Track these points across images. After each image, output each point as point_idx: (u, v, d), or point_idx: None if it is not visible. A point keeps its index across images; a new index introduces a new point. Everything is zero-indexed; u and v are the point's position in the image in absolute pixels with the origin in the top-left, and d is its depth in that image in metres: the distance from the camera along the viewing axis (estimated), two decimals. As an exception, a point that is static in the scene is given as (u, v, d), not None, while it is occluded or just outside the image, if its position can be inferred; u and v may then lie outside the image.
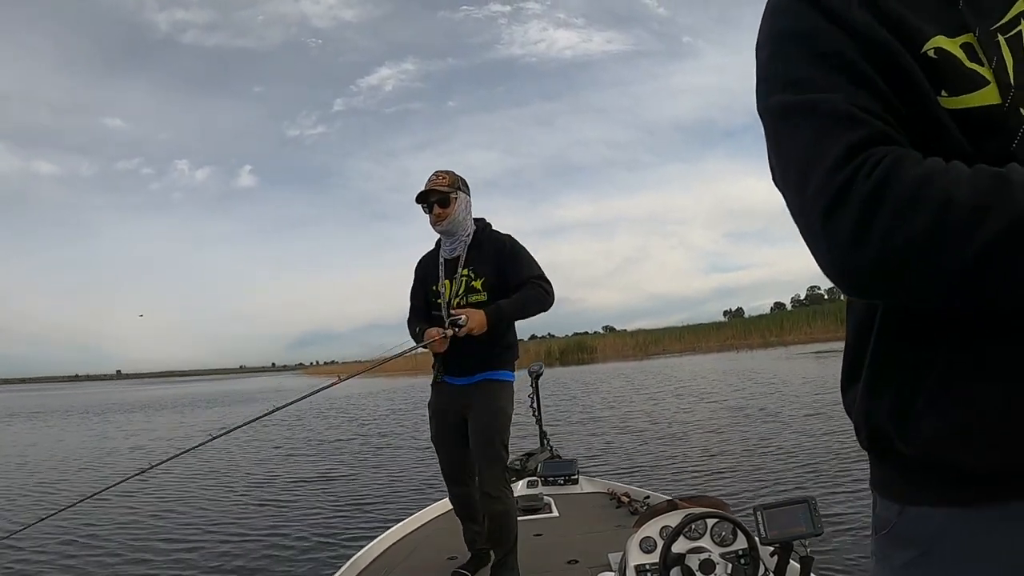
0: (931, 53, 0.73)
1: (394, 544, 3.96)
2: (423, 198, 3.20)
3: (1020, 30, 0.74)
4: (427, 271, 3.38)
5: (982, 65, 0.72)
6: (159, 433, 17.14)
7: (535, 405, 5.83)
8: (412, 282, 3.45)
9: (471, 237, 3.25)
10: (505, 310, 3.07)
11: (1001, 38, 0.73)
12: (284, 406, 3.19)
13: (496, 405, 3.11)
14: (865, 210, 0.65)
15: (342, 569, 3.45)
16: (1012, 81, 0.71)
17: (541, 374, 5.87)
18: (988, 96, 0.71)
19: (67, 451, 14.20)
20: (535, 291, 3.11)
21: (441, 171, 3.27)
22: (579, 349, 57.97)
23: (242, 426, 3.28)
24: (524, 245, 3.25)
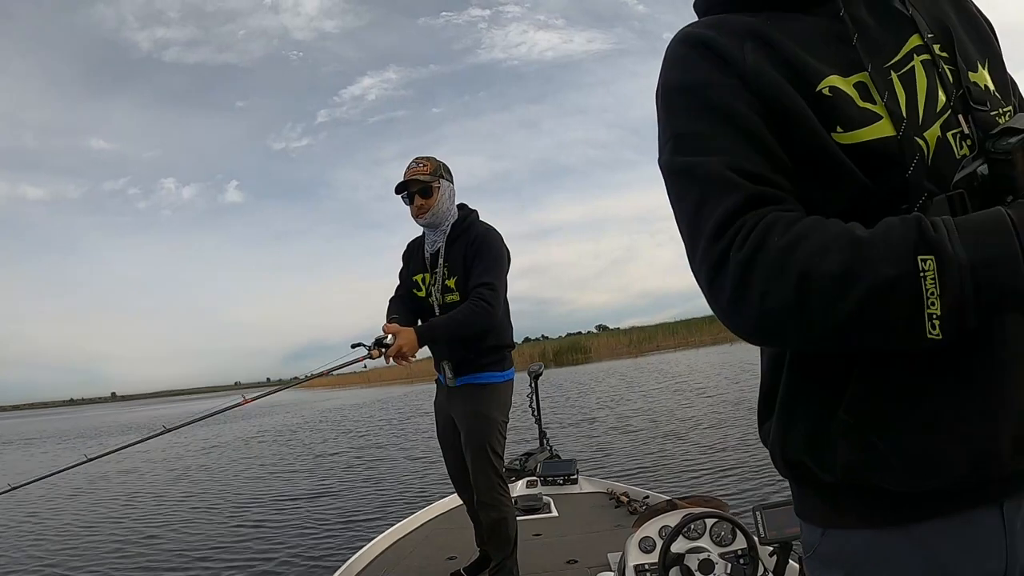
0: (826, 91, 0.76)
1: (394, 544, 3.97)
2: (403, 188, 2.97)
3: (912, 66, 0.79)
4: (411, 258, 3.20)
5: (874, 103, 0.76)
6: (151, 455, 17.00)
7: (534, 405, 5.82)
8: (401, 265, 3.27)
9: (450, 229, 3.02)
10: (438, 330, 2.87)
11: (895, 75, 0.78)
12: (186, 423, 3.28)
13: (479, 411, 2.96)
14: (738, 281, 0.71)
15: (341, 569, 3.46)
16: (904, 113, 0.76)
17: (540, 374, 5.88)
18: (882, 129, 0.75)
19: (58, 477, 13.99)
20: (475, 306, 2.84)
21: (421, 157, 3.01)
22: (573, 349, 57.95)
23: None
24: (496, 242, 3.00)
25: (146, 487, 11.18)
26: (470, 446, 2.96)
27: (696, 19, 0.91)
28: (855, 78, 0.77)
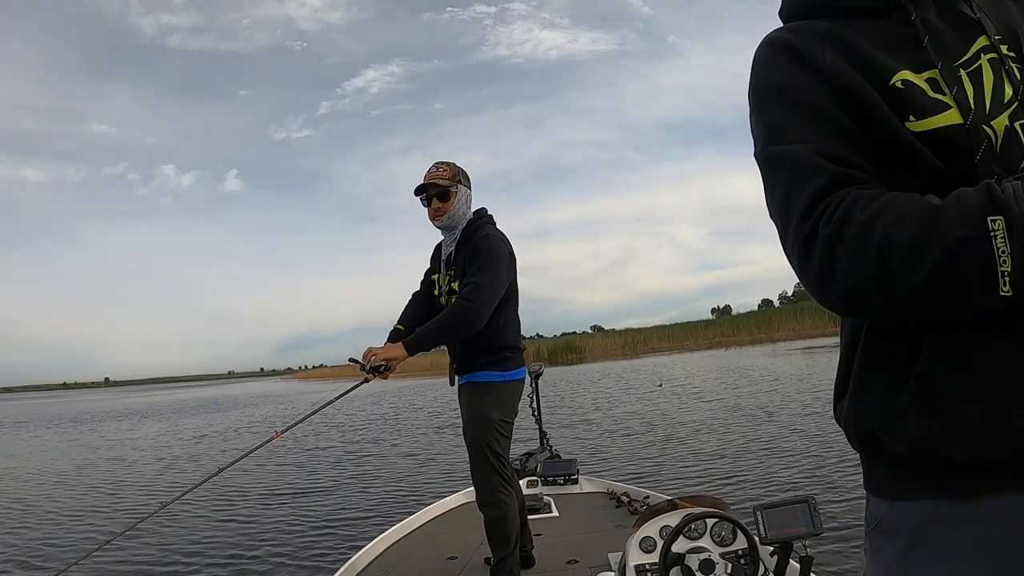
0: (899, 84, 0.84)
1: (394, 544, 3.98)
2: (421, 191, 3.11)
3: (980, 64, 0.85)
4: (434, 257, 3.36)
5: (944, 95, 0.83)
6: (141, 443, 16.88)
7: (535, 405, 5.80)
8: None
9: (460, 235, 3.15)
10: (424, 338, 2.99)
11: (963, 72, 0.85)
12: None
13: (476, 410, 3.06)
14: (826, 255, 0.78)
15: (341, 569, 3.46)
16: (972, 105, 0.82)
17: (541, 374, 5.83)
18: (951, 117, 0.82)
19: (49, 463, 13.94)
20: (456, 307, 2.99)
21: (442, 162, 3.16)
22: (568, 349, 57.74)
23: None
24: (492, 244, 3.09)
25: (133, 476, 10.99)
26: (469, 444, 3.05)
27: (780, 25, 0.99)
28: (926, 75, 0.84)
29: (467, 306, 2.95)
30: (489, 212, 3.25)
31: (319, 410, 3.38)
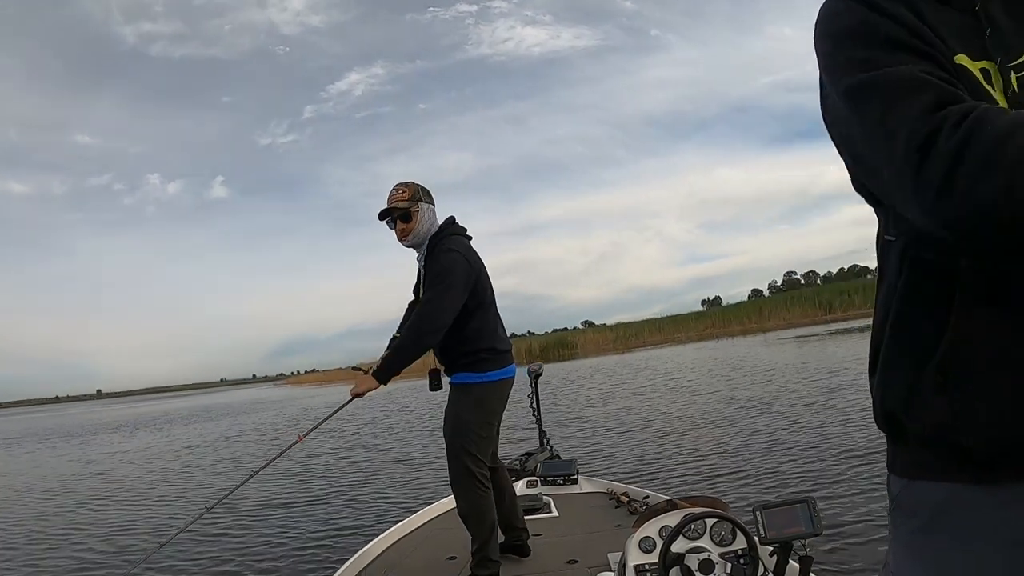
0: (955, 66, 0.80)
1: (394, 544, 4.01)
2: (385, 215, 3.25)
3: None
4: (418, 272, 3.49)
5: (994, 90, 0.81)
6: (130, 455, 16.76)
7: (534, 405, 5.81)
8: None
9: (427, 249, 3.29)
10: (391, 365, 3.15)
11: (1014, 75, 0.82)
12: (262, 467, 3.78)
13: (452, 409, 3.28)
14: (949, 165, 0.68)
15: (342, 568, 3.50)
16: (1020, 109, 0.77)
17: (540, 374, 5.87)
18: None
19: (43, 479, 13.77)
20: (409, 329, 3.20)
21: (401, 184, 3.28)
22: (560, 345, 57.92)
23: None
24: (445, 259, 3.19)
25: (122, 492, 10.82)
26: (445, 440, 3.27)
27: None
28: (981, 64, 0.82)
29: (418, 324, 3.14)
30: (457, 221, 3.39)
31: (334, 413, 3.66)
